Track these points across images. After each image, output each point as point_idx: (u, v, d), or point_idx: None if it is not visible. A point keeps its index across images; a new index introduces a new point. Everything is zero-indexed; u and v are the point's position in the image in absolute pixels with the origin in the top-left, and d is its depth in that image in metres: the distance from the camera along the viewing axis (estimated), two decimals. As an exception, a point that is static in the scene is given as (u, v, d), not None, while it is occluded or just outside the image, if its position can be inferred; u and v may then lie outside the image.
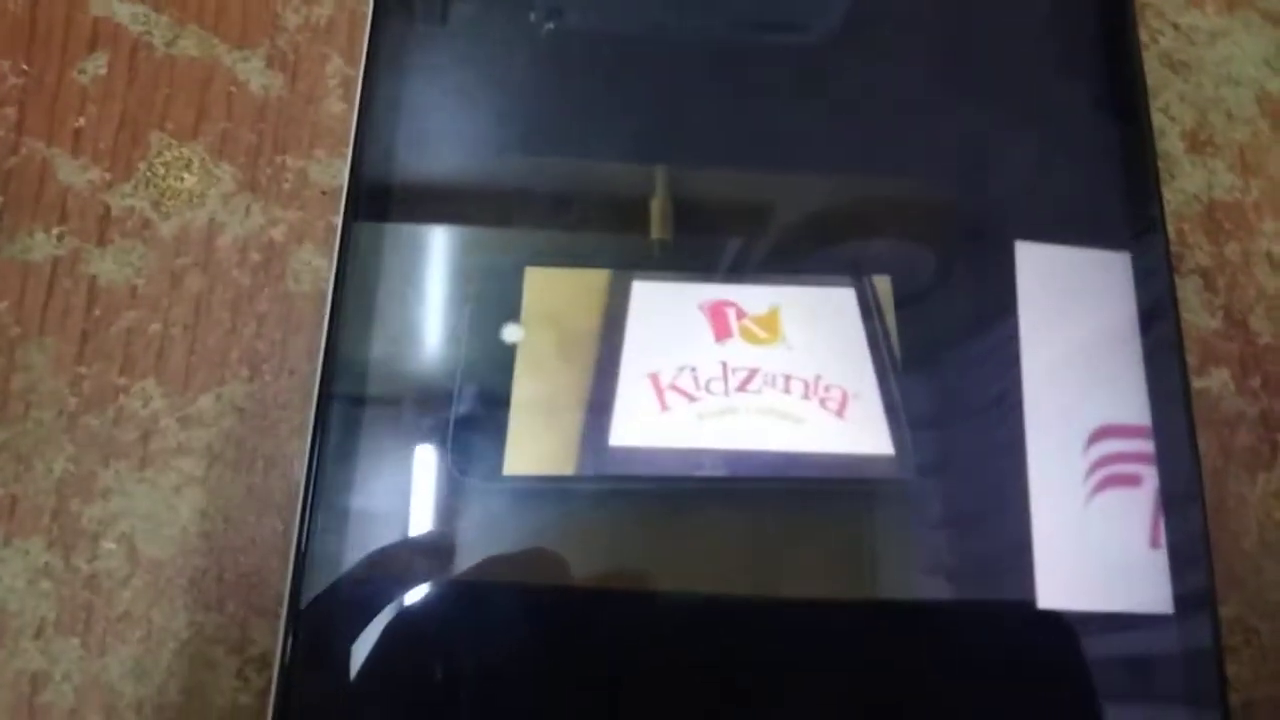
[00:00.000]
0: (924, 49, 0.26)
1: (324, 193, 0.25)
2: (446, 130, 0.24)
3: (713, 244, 0.24)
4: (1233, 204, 0.27)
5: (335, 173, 0.25)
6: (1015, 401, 0.23)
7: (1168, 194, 0.26)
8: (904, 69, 0.26)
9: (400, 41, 0.24)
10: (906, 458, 0.22)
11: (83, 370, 0.23)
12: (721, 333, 0.23)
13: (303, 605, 0.20)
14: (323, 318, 0.22)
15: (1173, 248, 0.25)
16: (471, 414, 0.22)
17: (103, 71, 0.25)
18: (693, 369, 0.22)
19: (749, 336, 0.23)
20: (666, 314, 0.23)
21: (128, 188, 0.25)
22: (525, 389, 0.22)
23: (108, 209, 0.24)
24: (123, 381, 0.23)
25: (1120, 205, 0.25)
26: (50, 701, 0.21)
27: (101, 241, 0.24)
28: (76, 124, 0.25)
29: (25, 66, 0.25)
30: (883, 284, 0.24)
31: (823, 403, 0.23)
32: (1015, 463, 0.22)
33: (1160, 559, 0.22)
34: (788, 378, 0.23)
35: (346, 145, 0.23)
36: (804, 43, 0.26)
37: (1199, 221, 0.27)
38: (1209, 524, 0.22)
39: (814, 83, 0.25)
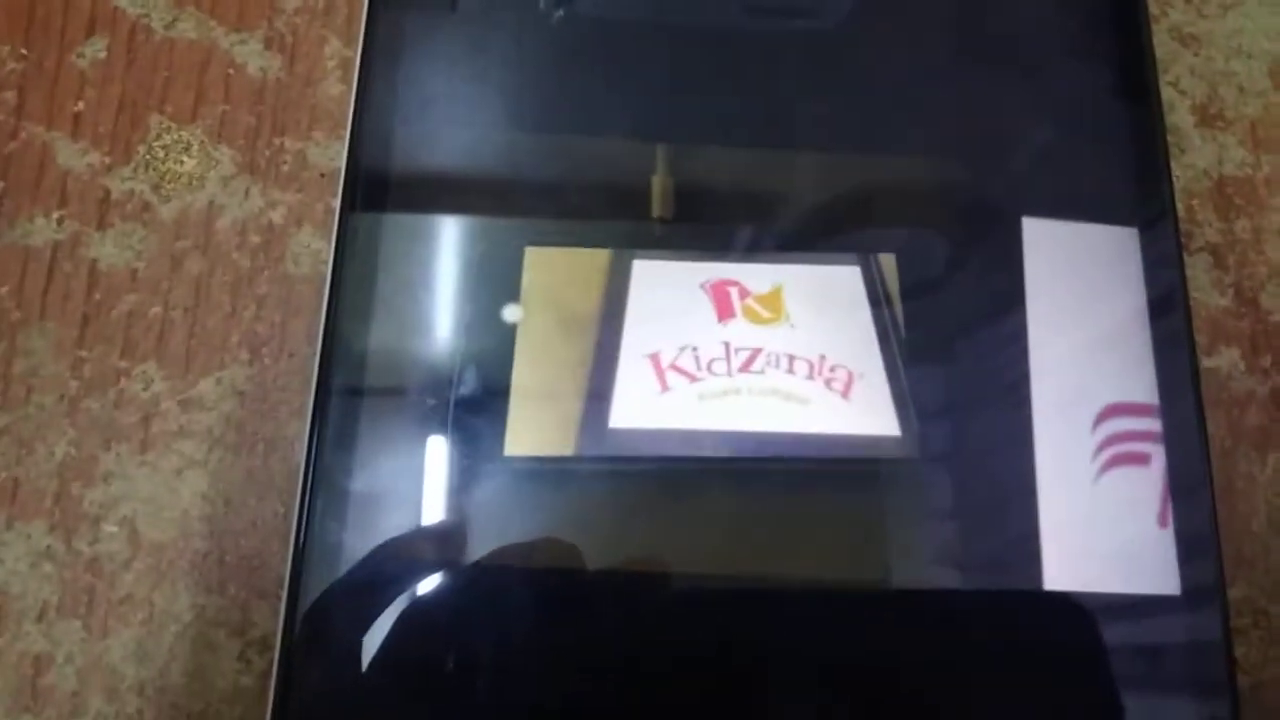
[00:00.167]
0: (930, 25, 0.26)
1: (323, 175, 0.25)
2: (445, 111, 0.24)
3: (715, 223, 0.24)
4: (1243, 179, 0.26)
5: (334, 155, 0.25)
6: (1023, 378, 0.22)
7: (1177, 169, 0.26)
8: (910, 45, 0.25)
9: (398, 22, 0.24)
10: (913, 438, 0.22)
11: (84, 354, 0.23)
12: (724, 312, 0.23)
13: (303, 588, 0.20)
14: (322, 300, 0.22)
15: (1182, 224, 0.24)
16: (472, 395, 0.22)
17: (102, 55, 0.25)
18: (694, 349, 0.22)
19: (752, 316, 0.23)
20: (668, 293, 0.23)
21: (127, 171, 0.25)
22: (525, 369, 0.22)
23: (107, 192, 0.24)
24: (123, 365, 0.23)
25: (1129, 181, 0.24)
26: (52, 683, 0.21)
27: (101, 225, 0.24)
28: (76, 108, 0.25)
29: (24, 51, 0.25)
30: (888, 262, 0.23)
31: (828, 383, 0.22)
32: (1023, 441, 0.22)
33: (1168, 539, 0.22)
34: (791, 358, 0.22)
35: (345, 127, 0.23)
36: (810, 20, 0.25)
37: (1209, 197, 0.26)
38: (1218, 505, 0.22)
39: (818, 59, 0.25)
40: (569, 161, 0.24)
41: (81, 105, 0.25)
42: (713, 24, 0.25)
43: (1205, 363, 0.25)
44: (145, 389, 0.23)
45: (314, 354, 0.22)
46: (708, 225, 0.24)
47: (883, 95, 0.25)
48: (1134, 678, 0.21)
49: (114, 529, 0.22)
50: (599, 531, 0.21)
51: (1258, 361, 0.25)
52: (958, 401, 0.23)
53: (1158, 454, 0.22)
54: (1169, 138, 0.25)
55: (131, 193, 0.24)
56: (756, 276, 0.23)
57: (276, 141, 0.25)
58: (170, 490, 0.23)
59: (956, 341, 0.23)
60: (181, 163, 0.25)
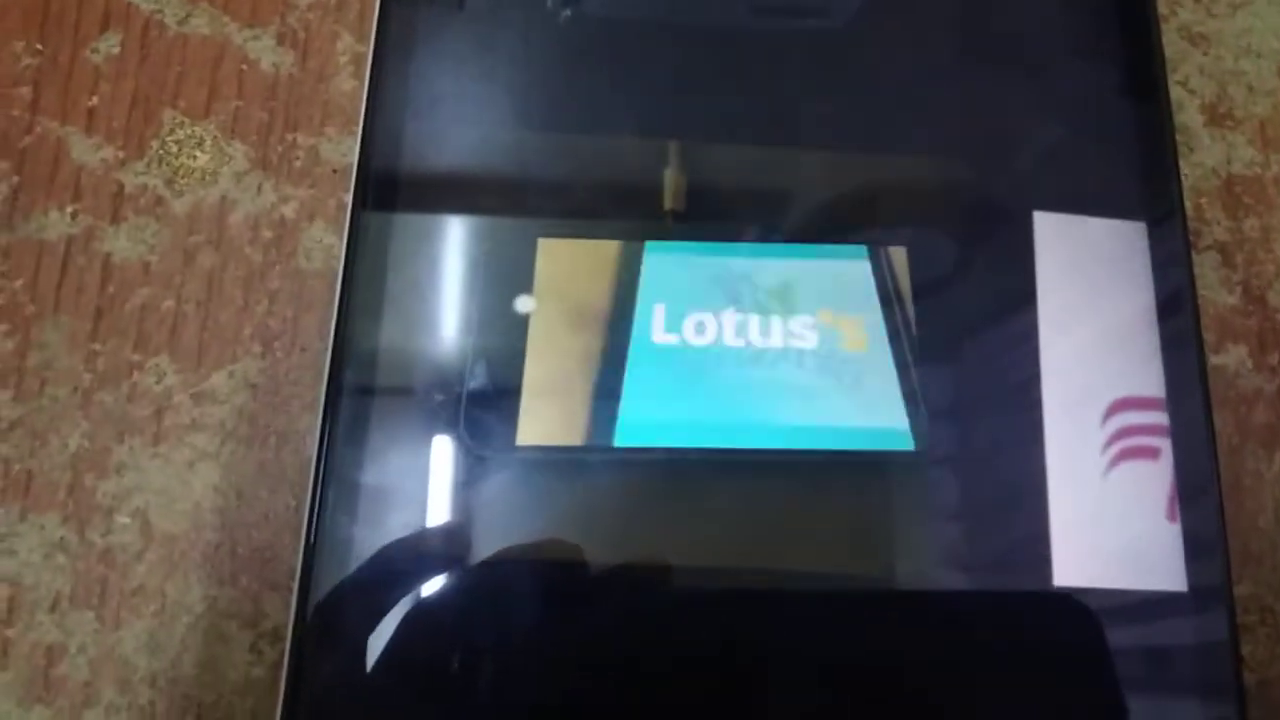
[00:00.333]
0: (940, 21, 0.26)
1: (335, 170, 0.25)
2: (458, 106, 0.24)
3: (727, 216, 0.24)
4: (1252, 179, 0.26)
5: (346, 150, 0.25)
6: (1033, 373, 0.22)
7: (1186, 168, 0.26)
8: (920, 41, 0.25)
9: (410, 17, 0.24)
10: (922, 430, 0.22)
11: (97, 347, 0.23)
12: (735, 305, 0.23)
13: (314, 580, 0.20)
14: (334, 294, 0.22)
15: (1191, 223, 0.24)
16: (484, 385, 0.22)
17: (115, 51, 0.26)
18: (705, 340, 0.22)
19: (763, 309, 0.23)
20: (679, 285, 0.23)
21: (141, 166, 0.25)
22: (538, 360, 0.22)
23: (121, 187, 0.25)
24: (137, 358, 0.23)
25: (1138, 180, 0.24)
26: (65, 674, 0.21)
27: (115, 219, 0.24)
28: (90, 103, 0.25)
29: (39, 46, 0.26)
30: (899, 256, 0.23)
31: (837, 375, 0.22)
32: (1032, 435, 0.22)
33: (1175, 535, 0.22)
34: (801, 350, 0.23)
35: (357, 123, 0.23)
36: (822, 20, 0.25)
37: (1217, 196, 0.26)
38: (1225, 502, 0.22)
39: (829, 56, 0.25)
40: (581, 159, 0.24)
41: (95, 100, 0.25)
42: (723, 24, 0.25)
43: (1213, 360, 0.25)
44: (158, 382, 0.23)
45: (326, 348, 0.22)
46: (720, 219, 0.24)
47: (895, 92, 0.25)
48: (1140, 675, 0.21)
49: (127, 521, 0.22)
50: (609, 522, 0.21)
51: (1265, 359, 0.25)
52: (967, 396, 0.23)
53: (1167, 448, 0.22)
54: (1178, 136, 0.25)
55: (145, 187, 0.25)
56: (767, 270, 0.23)
57: (289, 137, 0.25)
58: (183, 482, 0.23)
59: (967, 335, 0.23)
60: (195, 158, 0.25)
